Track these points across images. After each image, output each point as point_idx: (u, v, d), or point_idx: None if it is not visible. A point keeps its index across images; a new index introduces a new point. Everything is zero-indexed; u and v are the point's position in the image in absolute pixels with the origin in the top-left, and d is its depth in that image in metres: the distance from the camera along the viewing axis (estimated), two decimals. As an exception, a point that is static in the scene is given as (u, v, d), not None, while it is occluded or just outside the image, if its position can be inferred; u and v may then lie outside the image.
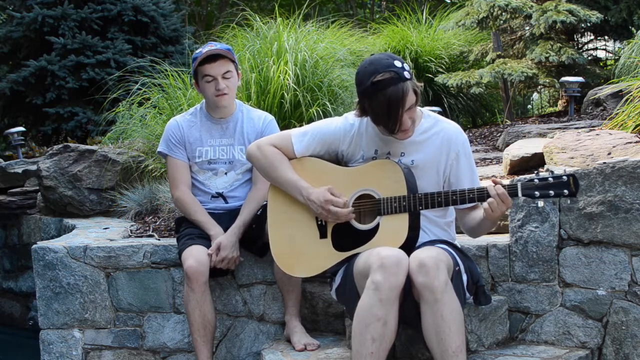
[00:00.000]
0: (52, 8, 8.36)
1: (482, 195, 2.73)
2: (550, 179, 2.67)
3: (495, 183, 2.72)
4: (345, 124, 2.97)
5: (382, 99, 2.68)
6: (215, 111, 3.62)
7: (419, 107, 2.90)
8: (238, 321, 3.69)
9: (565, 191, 2.65)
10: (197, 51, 3.53)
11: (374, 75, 2.67)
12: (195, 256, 3.35)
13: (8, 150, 8.41)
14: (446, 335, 2.62)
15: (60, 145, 5.13)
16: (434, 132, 2.91)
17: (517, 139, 4.98)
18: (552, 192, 2.66)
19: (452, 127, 2.94)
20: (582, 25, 6.98)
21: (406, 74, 2.69)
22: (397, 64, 2.69)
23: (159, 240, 3.89)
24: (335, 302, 3.39)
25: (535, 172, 2.78)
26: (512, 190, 2.69)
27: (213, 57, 3.47)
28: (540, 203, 2.69)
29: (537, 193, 2.67)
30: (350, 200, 2.88)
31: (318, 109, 4.73)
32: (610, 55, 8.36)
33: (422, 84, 2.86)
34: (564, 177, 2.65)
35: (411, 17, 8.12)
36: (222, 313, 3.67)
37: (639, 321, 3.02)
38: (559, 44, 6.70)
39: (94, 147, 5.20)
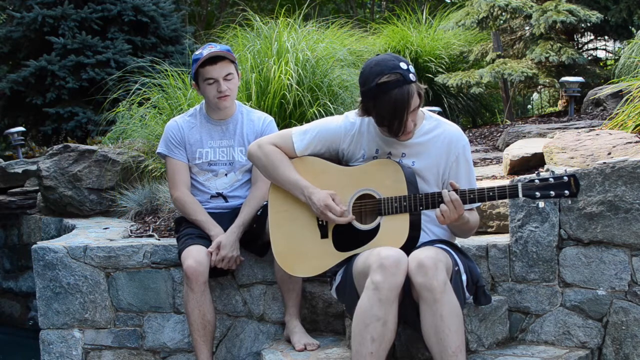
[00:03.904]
0: (52, 8, 8.37)
1: (482, 196, 2.73)
2: (551, 179, 2.67)
3: (455, 189, 2.73)
4: (346, 123, 2.97)
5: (387, 101, 2.67)
6: (215, 113, 3.61)
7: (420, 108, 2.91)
8: (238, 321, 3.69)
9: (566, 192, 2.65)
10: (197, 53, 3.52)
11: (380, 76, 2.67)
12: (195, 256, 3.34)
13: (8, 150, 8.42)
14: (445, 336, 2.62)
15: (60, 145, 5.13)
16: (435, 134, 2.91)
17: (517, 139, 4.97)
18: (552, 193, 2.66)
19: (453, 130, 2.94)
20: (582, 25, 6.98)
21: (411, 77, 2.69)
22: (403, 65, 2.69)
23: (159, 240, 3.89)
24: (335, 302, 3.39)
25: (536, 172, 2.78)
26: (512, 190, 2.69)
27: (214, 59, 3.46)
28: (541, 204, 2.69)
29: (537, 193, 2.67)
30: (351, 201, 2.88)
31: (319, 109, 4.73)
32: (610, 55, 8.37)
33: (426, 86, 2.85)
34: (565, 178, 2.65)
35: (411, 17, 8.13)
36: (222, 313, 3.67)
37: (639, 321, 3.02)
38: (559, 44, 6.70)
39: (94, 147, 5.20)
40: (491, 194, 2.73)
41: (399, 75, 2.67)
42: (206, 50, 3.48)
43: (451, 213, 2.72)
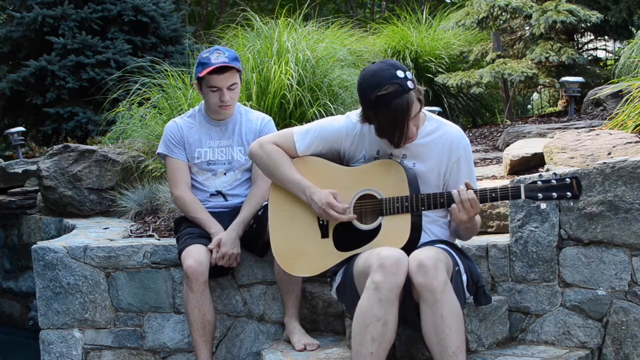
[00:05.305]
0: (52, 8, 8.36)
1: (484, 196, 2.74)
2: (553, 180, 2.67)
3: (468, 187, 2.73)
4: (347, 123, 2.96)
5: (387, 113, 2.66)
6: (214, 114, 3.61)
7: (419, 110, 2.90)
8: (238, 321, 3.69)
9: (568, 193, 2.65)
10: (204, 56, 3.46)
11: (378, 88, 2.65)
12: (195, 256, 3.34)
13: (8, 150, 8.42)
14: (446, 336, 2.62)
15: (60, 145, 5.13)
16: (436, 135, 2.91)
17: (517, 139, 4.98)
18: (554, 194, 2.66)
19: (454, 131, 2.94)
20: (582, 25, 6.99)
21: (409, 84, 2.67)
22: (400, 74, 2.67)
23: (159, 240, 3.89)
24: (335, 302, 3.39)
25: (538, 173, 2.78)
26: (515, 191, 2.70)
27: (221, 69, 3.43)
28: (543, 205, 2.69)
29: (539, 195, 2.67)
30: (352, 201, 2.88)
31: (319, 109, 4.74)
32: (610, 55, 8.37)
33: (425, 88, 2.84)
34: (567, 180, 2.65)
35: (411, 17, 8.13)
36: (222, 313, 3.67)
37: (639, 321, 3.02)
38: (559, 44, 6.71)
39: (94, 147, 5.20)
40: (494, 194, 2.74)
41: (397, 85, 2.65)
42: (214, 55, 3.43)
43: (467, 212, 2.73)
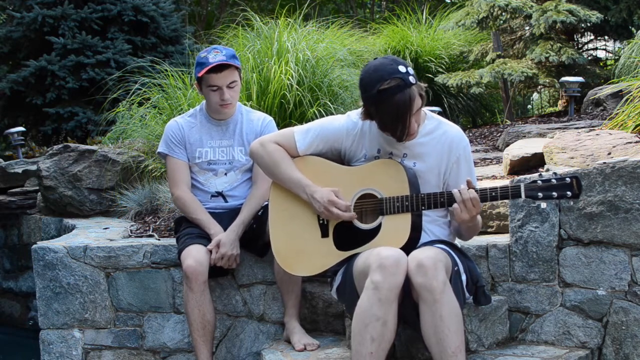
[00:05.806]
0: (52, 8, 8.37)
1: (485, 196, 2.74)
2: (553, 180, 2.67)
3: (469, 186, 2.73)
4: (348, 122, 2.96)
5: (389, 107, 2.67)
6: (215, 113, 3.61)
7: (420, 109, 2.90)
8: (238, 321, 3.69)
9: (568, 193, 2.65)
10: (202, 56, 3.47)
11: (380, 83, 2.66)
12: (195, 256, 3.34)
13: (8, 150, 8.42)
14: (445, 336, 2.62)
15: (60, 145, 5.13)
16: (436, 135, 2.91)
17: (517, 139, 4.98)
18: (555, 194, 2.66)
19: (454, 131, 2.94)
20: (582, 25, 6.99)
21: (411, 79, 2.68)
22: (402, 69, 2.68)
23: (159, 240, 3.89)
24: (335, 302, 3.39)
25: (538, 173, 2.78)
26: (515, 191, 2.70)
27: (220, 67, 3.43)
28: (543, 204, 2.69)
29: (540, 194, 2.67)
30: (352, 200, 2.88)
31: (319, 109, 4.74)
32: (610, 55, 8.38)
33: (426, 85, 2.85)
34: (567, 179, 2.65)
35: (411, 17, 8.14)
36: (222, 313, 3.67)
37: (639, 321, 3.02)
38: (559, 44, 6.71)
39: (94, 147, 5.20)
40: (494, 194, 2.74)
41: (399, 80, 2.65)
42: (211, 54, 3.44)
43: (469, 211, 2.72)
